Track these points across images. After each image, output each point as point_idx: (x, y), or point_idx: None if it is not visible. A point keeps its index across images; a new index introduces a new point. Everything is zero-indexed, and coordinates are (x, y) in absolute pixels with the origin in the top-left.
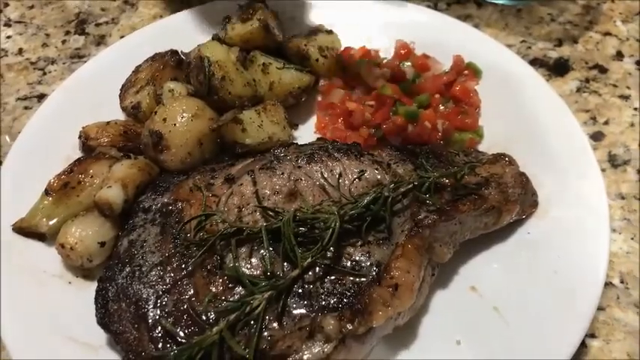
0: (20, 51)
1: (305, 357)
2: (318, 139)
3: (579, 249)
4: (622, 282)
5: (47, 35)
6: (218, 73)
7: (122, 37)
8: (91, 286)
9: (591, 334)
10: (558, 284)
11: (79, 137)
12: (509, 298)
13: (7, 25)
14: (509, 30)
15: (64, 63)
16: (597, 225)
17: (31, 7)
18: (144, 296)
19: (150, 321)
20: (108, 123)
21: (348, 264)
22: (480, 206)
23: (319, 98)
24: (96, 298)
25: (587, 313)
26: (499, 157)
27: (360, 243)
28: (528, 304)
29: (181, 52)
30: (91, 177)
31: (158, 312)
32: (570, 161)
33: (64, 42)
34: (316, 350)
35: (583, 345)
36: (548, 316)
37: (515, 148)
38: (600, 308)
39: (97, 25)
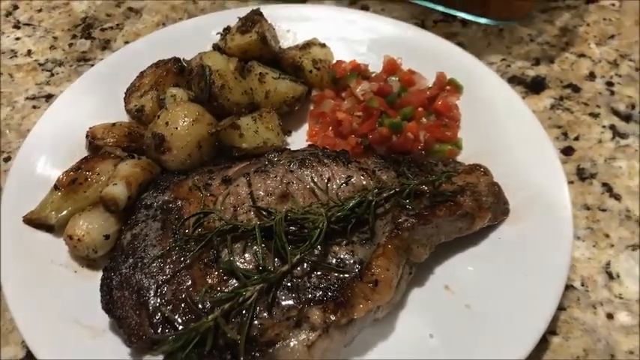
0: (29, 52)
1: (291, 344)
2: (310, 145)
3: (545, 254)
4: (583, 285)
5: (55, 38)
6: (218, 81)
7: (126, 42)
8: (95, 276)
9: (552, 332)
10: (524, 285)
11: (86, 137)
12: (480, 296)
13: (17, 27)
14: (492, 48)
15: (70, 65)
16: (562, 233)
17: (40, 10)
18: (145, 285)
19: (150, 308)
20: (113, 124)
21: (334, 261)
22: (455, 212)
23: (311, 107)
24: (101, 286)
25: (548, 311)
26: (475, 168)
27: (344, 242)
28: (496, 302)
29: (183, 59)
30: (98, 174)
31: (158, 300)
32: (540, 174)
33: (70, 45)
34: (302, 338)
35: (545, 341)
36: (513, 313)
37: (490, 159)
38: (562, 308)
39: (103, 30)
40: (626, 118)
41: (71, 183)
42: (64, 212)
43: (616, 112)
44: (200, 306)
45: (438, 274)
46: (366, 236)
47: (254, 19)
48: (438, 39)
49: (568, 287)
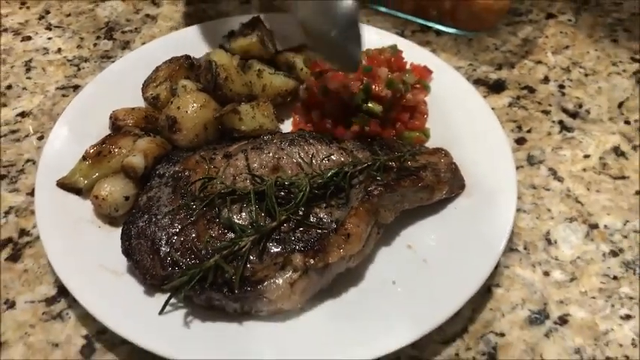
0: (59, 50)
1: (277, 281)
2: (299, 129)
3: (492, 222)
4: (525, 249)
5: (81, 39)
6: (222, 74)
7: (143, 43)
8: (116, 230)
9: (497, 285)
10: (473, 246)
11: (110, 118)
12: (436, 254)
13: (48, 28)
14: (460, 55)
15: (95, 62)
16: (507, 206)
17: (68, 14)
18: (158, 236)
19: (162, 253)
20: (133, 109)
21: (314, 220)
22: (417, 184)
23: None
24: (122, 236)
25: (490, 264)
26: (437, 150)
27: (324, 205)
28: (449, 257)
29: (193, 57)
30: (119, 148)
31: (168, 247)
32: (494, 158)
33: (95, 45)
34: (286, 277)
35: (490, 291)
36: (462, 266)
37: (453, 146)
38: (506, 266)
39: (123, 32)
40: (573, 116)
41: (97, 155)
42: (91, 178)
43: (565, 110)
44: (203, 252)
45: (403, 236)
46: (342, 201)
47: (255, 25)
48: (413, 45)
49: (512, 250)
